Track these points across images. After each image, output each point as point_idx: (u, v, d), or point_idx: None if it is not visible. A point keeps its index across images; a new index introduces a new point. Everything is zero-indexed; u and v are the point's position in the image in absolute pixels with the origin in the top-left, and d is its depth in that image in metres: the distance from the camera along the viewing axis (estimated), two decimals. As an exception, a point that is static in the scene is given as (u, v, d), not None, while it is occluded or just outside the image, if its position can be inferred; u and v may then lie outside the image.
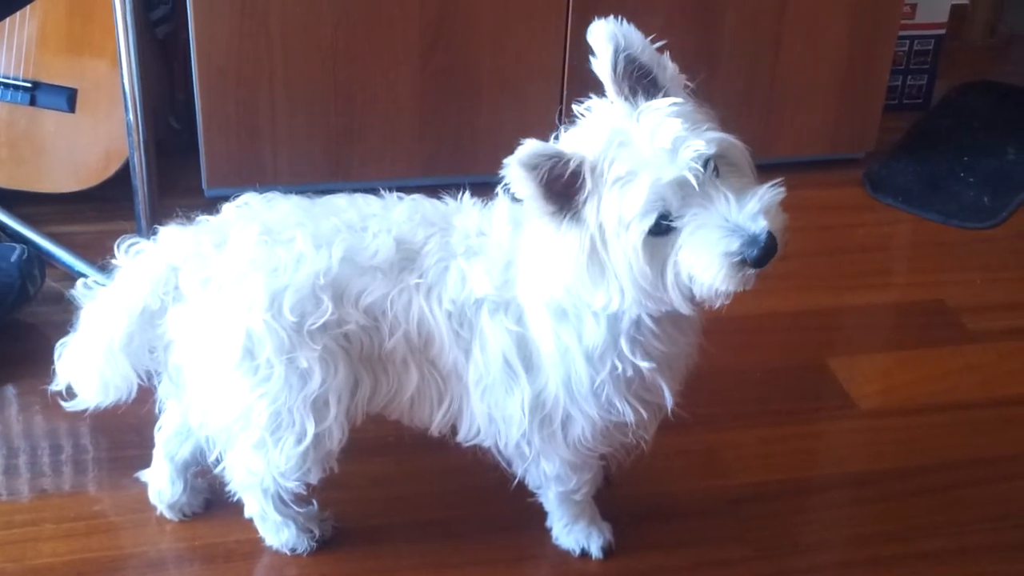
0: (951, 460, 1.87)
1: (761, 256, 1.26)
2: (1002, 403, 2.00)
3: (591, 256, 1.31)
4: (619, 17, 1.33)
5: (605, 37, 1.31)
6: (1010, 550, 1.72)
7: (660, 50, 1.34)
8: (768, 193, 1.28)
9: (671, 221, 1.27)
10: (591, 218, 1.28)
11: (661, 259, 1.29)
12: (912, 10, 2.80)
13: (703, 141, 1.25)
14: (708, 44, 2.41)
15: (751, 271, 1.27)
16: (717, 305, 1.33)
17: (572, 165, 1.27)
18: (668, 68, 1.33)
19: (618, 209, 1.26)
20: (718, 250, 1.26)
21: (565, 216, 1.29)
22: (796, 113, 2.55)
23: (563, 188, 1.28)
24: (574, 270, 1.33)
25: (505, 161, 1.26)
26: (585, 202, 1.28)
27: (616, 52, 1.31)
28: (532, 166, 1.26)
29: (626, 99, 1.31)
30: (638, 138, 1.27)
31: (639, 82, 1.32)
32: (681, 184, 1.25)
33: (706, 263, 1.27)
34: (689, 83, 1.34)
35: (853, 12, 2.49)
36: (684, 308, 1.33)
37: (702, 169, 1.25)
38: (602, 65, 1.31)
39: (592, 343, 1.41)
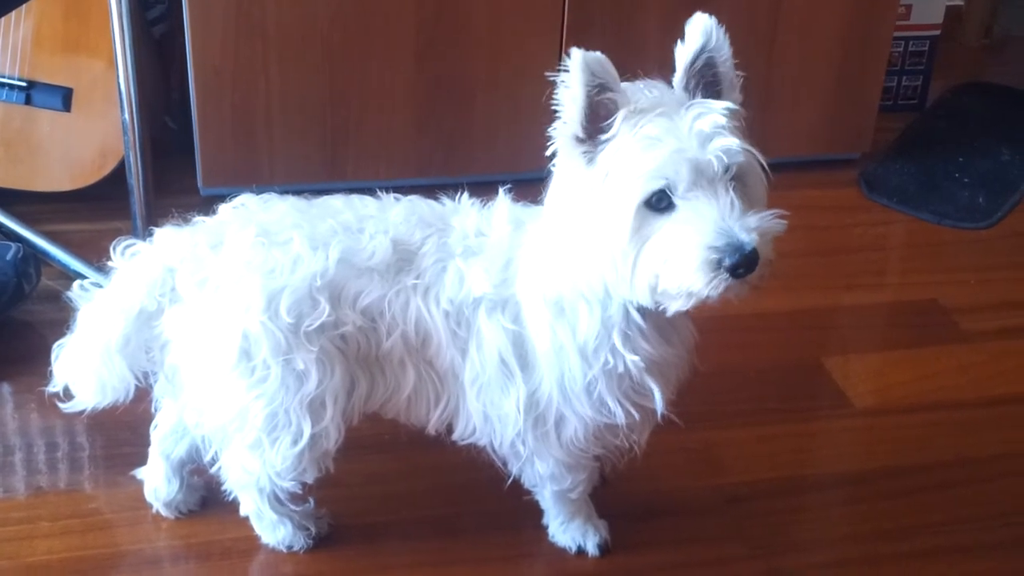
0: (945, 459, 1.88)
1: (738, 264, 1.27)
2: (995, 402, 2.01)
3: (583, 201, 1.32)
4: (722, 26, 1.35)
5: (701, 30, 1.34)
6: (1004, 548, 1.73)
7: (739, 77, 1.36)
8: (769, 218, 1.30)
9: (672, 197, 1.28)
10: (602, 163, 1.30)
11: (644, 236, 1.30)
12: (907, 11, 2.81)
13: (738, 142, 1.28)
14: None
15: (723, 275, 1.28)
16: (674, 307, 1.34)
17: (618, 100, 1.29)
18: (736, 91, 1.35)
19: (631, 163, 1.28)
20: (702, 240, 1.27)
21: (581, 148, 1.31)
22: (791, 113, 2.56)
23: (594, 122, 1.30)
24: (560, 203, 1.35)
25: (572, 50, 1.27)
26: (605, 145, 1.30)
27: (703, 48, 1.33)
28: (592, 71, 1.27)
29: (686, 90, 1.34)
30: (680, 118, 1.29)
31: (704, 87, 1.34)
32: (698, 167, 1.27)
33: (686, 248, 1.28)
34: (745, 116, 1.36)
35: (848, 12, 2.49)
36: (643, 296, 1.34)
37: (725, 161, 1.27)
38: (684, 53, 1.34)
39: (585, 337, 1.42)
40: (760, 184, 1.34)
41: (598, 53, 1.28)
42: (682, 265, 1.29)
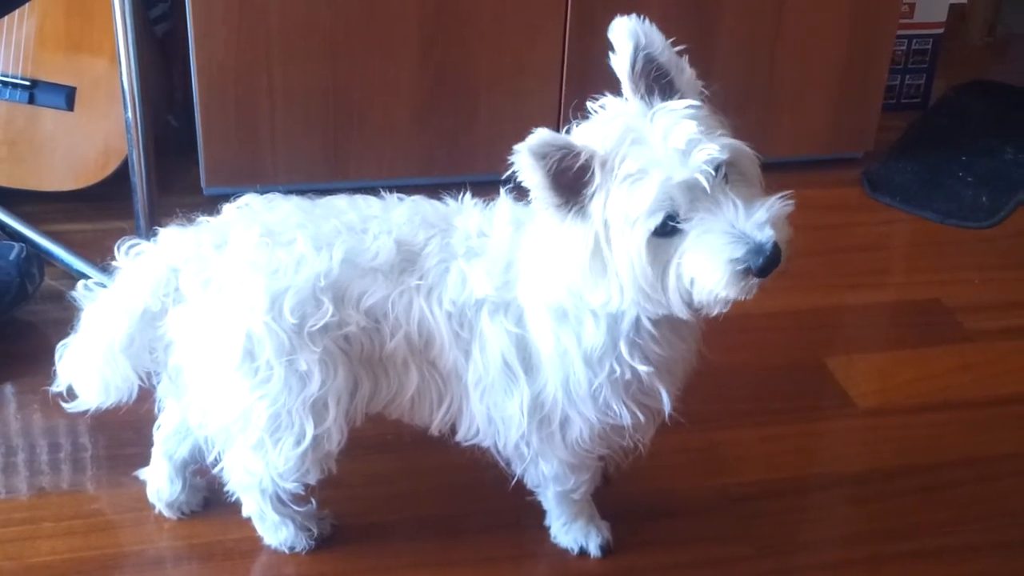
0: (949, 459, 1.88)
1: (765, 266, 1.26)
2: (999, 402, 2.01)
3: (594, 252, 1.31)
4: (642, 16, 1.33)
5: (626, 34, 1.31)
6: (1008, 548, 1.73)
7: (679, 54, 1.34)
8: (776, 204, 1.29)
9: (677, 223, 1.27)
10: (597, 214, 1.28)
11: (663, 261, 1.29)
12: (910, 9, 2.81)
13: (716, 145, 1.26)
14: (705, 43, 2.42)
15: (754, 280, 1.27)
16: (715, 312, 1.33)
17: (582, 158, 1.27)
18: (685, 71, 1.33)
19: (626, 206, 1.27)
20: (723, 256, 1.26)
21: (571, 209, 1.29)
22: (794, 112, 2.56)
23: (571, 181, 1.28)
24: (575, 265, 1.33)
25: (515, 148, 1.25)
26: (592, 197, 1.28)
27: (636, 50, 1.31)
28: (542, 155, 1.25)
29: (641, 98, 1.31)
30: (651, 137, 1.27)
31: (656, 82, 1.32)
32: (691, 186, 1.26)
33: (710, 268, 1.27)
34: (704, 89, 1.34)
35: (851, 11, 2.49)
36: (682, 313, 1.34)
37: (713, 173, 1.26)
38: (621, 62, 1.32)
39: (591, 345, 1.41)
40: (751, 164, 1.33)
41: (541, 134, 1.25)
42: (711, 283, 1.28)
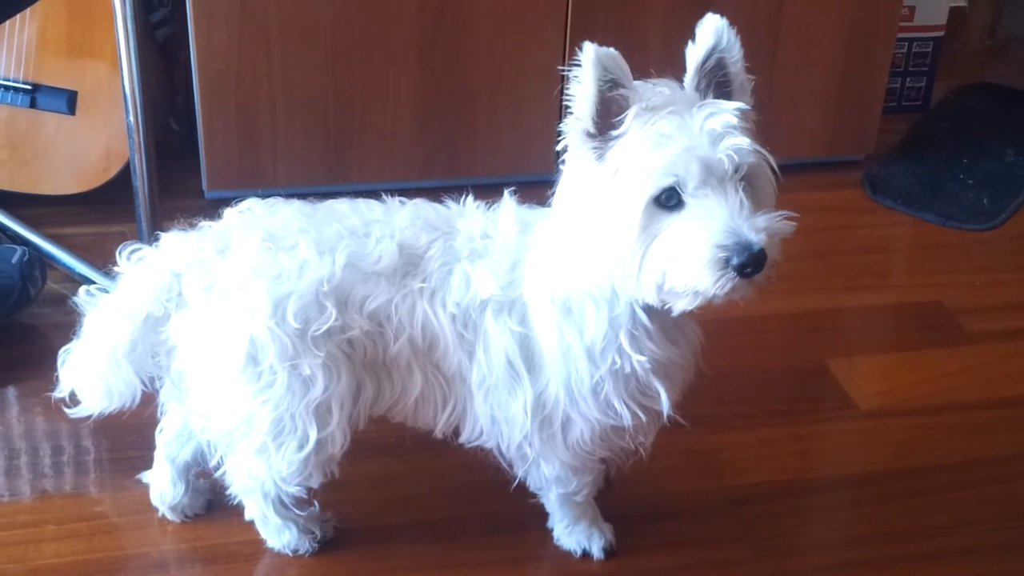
0: (950, 461, 1.88)
1: (745, 263, 1.27)
2: (1001, 404, 2.01)
3: (592, 198, 1.32)
4: (726, 19, 1.36)
5: (712, 30, 1.34)
6: (1009, 550, 1.73)
7: (749, 80, 1.36)
8: (778, 219, 1.30)
9: (681, 194, 1.29)
10: (612, 159, 1.30)
11: (652, 233, 1.30)
12: (911, 12, 2.81)
13: (749, 142, 1.29)
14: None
15: (730, 274, 1.28)
16: (679, 307, 1.34)
17: (630, 96, 1.29)
18: (746, 91, 1.36)
19: (642, 159, 1.28)
20: (711, 239, 1.27)
21: (592, 144, 1.31)
22: (795, 115, 2.56)
23: (605, 117, 1.30)
24: (569, 199, 1.35)
25: (585, 44, 1.27)
26: (616, 141, 1.30)
27: (714, 48, 1.34)
28: (605, 66, 1.28)
29: (697, 90, 1.34)
30: (692, 116, 1.30)
31: (715, 88, 1.34)
32: (709, 165, 1.28)
33: (693, 247, 1.28)
34: (756, 117, 1.36)
35: (851, 14, 2.49)
36: (649, 294, 1.34)
37: (736, 160, 1.28)
38: (696, 52, 1.34)
39: (593, 338, 1.42)
40: (769, 186, 1.35)
41: (611, 49, 1.28)
42: (690, 263, 1.29)
